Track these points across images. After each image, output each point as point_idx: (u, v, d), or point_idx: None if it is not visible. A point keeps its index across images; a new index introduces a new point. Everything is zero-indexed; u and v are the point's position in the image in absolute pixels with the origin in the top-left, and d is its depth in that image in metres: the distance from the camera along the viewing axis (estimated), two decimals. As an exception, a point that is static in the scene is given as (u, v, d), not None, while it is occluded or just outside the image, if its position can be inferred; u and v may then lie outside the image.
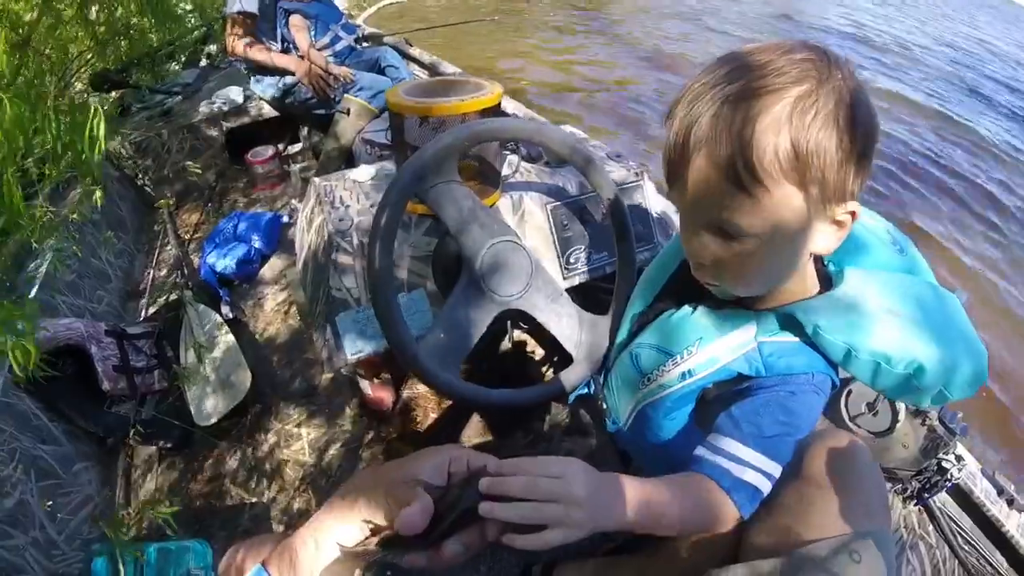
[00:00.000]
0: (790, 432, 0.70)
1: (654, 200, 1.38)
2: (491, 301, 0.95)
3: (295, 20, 2.39)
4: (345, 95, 2.34)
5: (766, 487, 0.68)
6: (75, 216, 1.82)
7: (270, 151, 2.46)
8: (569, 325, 1.03)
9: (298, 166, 2.57)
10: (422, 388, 1.57)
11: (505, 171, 1.27)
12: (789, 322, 0.71)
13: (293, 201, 2.39)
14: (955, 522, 1.27)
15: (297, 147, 2.70)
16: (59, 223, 1.79)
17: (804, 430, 0.71)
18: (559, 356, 1.56)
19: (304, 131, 2.69)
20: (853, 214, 0.62)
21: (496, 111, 1.10)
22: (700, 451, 0.72)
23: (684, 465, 0.84)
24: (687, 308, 0.80)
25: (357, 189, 1.16)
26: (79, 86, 2.61)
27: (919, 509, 1.29)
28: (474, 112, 1.05)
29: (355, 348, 1.03)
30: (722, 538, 0.71)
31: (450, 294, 0.95)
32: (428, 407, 1.54)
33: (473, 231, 0.95)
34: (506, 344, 1.54)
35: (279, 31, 2.40)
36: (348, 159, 2.31)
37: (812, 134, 0.55)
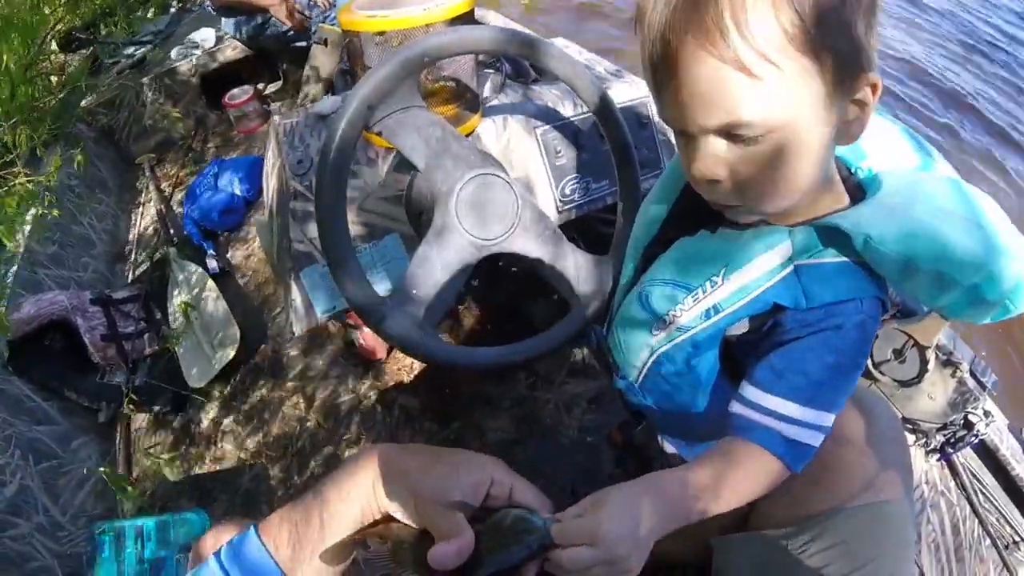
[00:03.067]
0: (844, 373, 0.59)
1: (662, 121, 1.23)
2: (470, 246, 0.82)
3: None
4: (321, 25, 2.15)
5: (819, 441, 0.60)
6: (53, 183, 1.72)
7: (248, 92, 2.30)
8: (565, 267, 0.90)
9: (278, 104, 2.42)
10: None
11: (487, 92, 1.12)
12: (831, 237, 0.58)
13: None
14: (977, 479, 1.21)
15: (277, 85, 2.53)
16: (38, 191, 1.70)
17: (860, 366, 0.61)
18: (556, 302, 1.45)
19: (283, 67, 2.52)
20: (874, 88, 0.52)
21: (468, 20, 0.95)
22: (739, 409, 0.61)
23: (708, 422, 0.73)
24: (704, 232, 0.67)
25: (319, 124, 1.03)
26: (54, 45, 2.48)
27: (941, 464, 1.23)
28: (441, 23, 0.90)
29: (326, 305, 0.92)
30: None
31: (423, 239, 0.82)
32: (423, 355, 1.45)
33: (445, 165, 0.81)
34: (498, 290, 1.43)
35: None
36: (330, 93, 2.15)
37: None
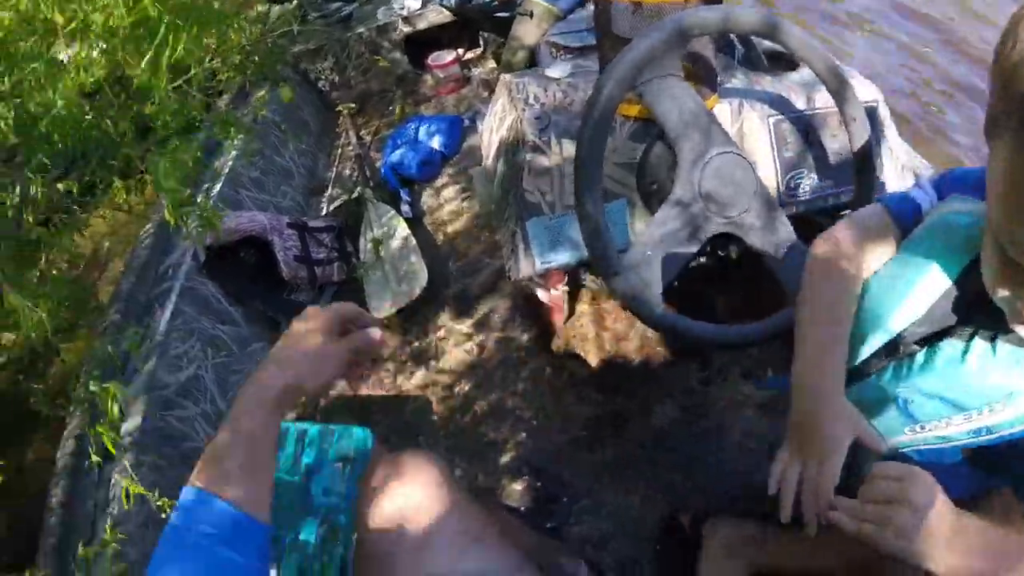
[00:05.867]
0: None
1: (889, 134, 1.15)
2: (707, 220, 0.83)
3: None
4: (527, -3, 2.20)
5: None
6: (263, 113, 1.89)
7: (450, 56, 2.42)
8: (791, 259, 0.88)
9: (479, 70, 2.52)
10: (594, 306, 1.50)
11: (719, 74, 1.11)
12: None
13: (475, 104, 2.35)
14: None
15: (477, 52, 2.64)
16: (244, 121, 1.88)
17: None
18: (768, 293, 1.38)
19: (484, 36, 2.61)
20: None
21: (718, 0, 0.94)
22: None
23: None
24: (983, 344, 0.57)
25: (553, 87, 1.07)
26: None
27: None
28: (697, 0, 0.90)
29: (545, 258, 0.97)
30: None
31: (662, 205, 0.84)
32: (599, 325, 1.47)
33: (694, 137, 0.82)
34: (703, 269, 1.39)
35: None
36: (530, 64, 2.21)
37: None
